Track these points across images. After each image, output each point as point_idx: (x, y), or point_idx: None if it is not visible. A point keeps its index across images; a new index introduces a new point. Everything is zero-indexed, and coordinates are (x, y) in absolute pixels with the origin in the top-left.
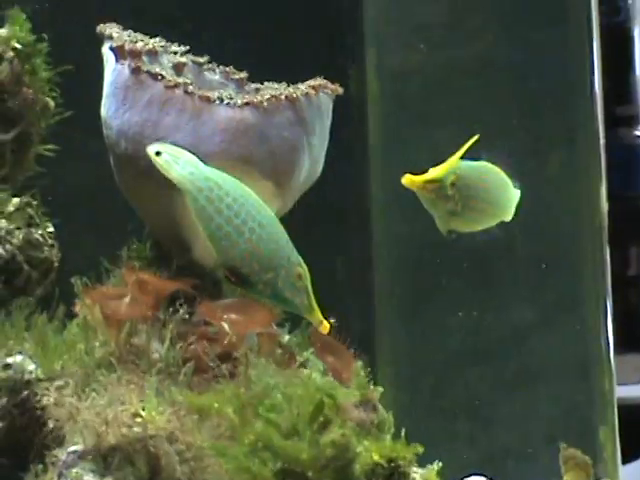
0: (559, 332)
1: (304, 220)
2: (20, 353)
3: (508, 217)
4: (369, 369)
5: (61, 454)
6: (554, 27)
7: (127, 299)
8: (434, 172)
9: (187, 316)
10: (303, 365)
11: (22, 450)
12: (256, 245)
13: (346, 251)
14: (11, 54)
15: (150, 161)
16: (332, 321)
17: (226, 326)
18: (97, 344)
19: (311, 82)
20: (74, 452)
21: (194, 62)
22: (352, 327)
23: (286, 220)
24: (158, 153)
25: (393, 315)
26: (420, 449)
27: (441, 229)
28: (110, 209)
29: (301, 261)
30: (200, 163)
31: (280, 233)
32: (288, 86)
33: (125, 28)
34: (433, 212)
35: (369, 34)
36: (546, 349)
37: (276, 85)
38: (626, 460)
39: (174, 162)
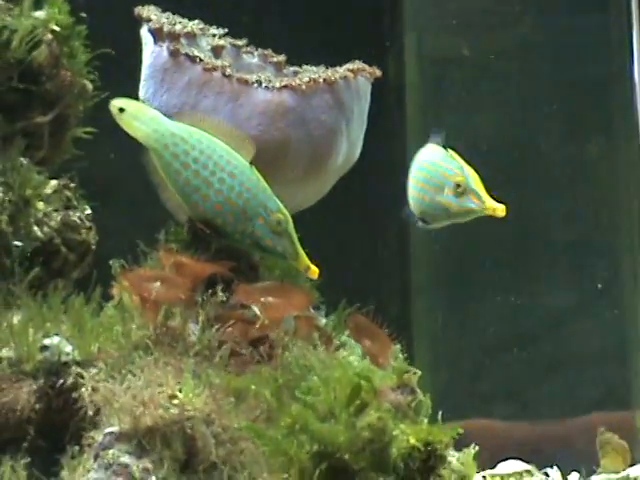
0: (597, 317)
1: (343, 204)
2: (57, 335)
3: None
4: (407, 353)
5: (97, 436)
6: (594, 14)
7: (164, 282)
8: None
9: (224, 299)
10: (340, 348)
11: (58, 432)
12: (227, 196)
13: (384, 236)
14: (49, 37)
15: None
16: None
17: (262, 309)
18: (134, 326)
19: (350, 65)
20: (111, 434)
21: (232, 45)
22: (390, 311)
23: (325, 205)
24: (121, 110)
25: (431, 299)
26: (457, 432)
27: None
28: (148, 192)
29: (281, 207)
30: (164, 119)
31: (255, 182)
32: (326, 69)
33: (163, 10)
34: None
35: (409, 18)
36: (584, 334)
37: (314, 68)
38: None
39: (137, 119)
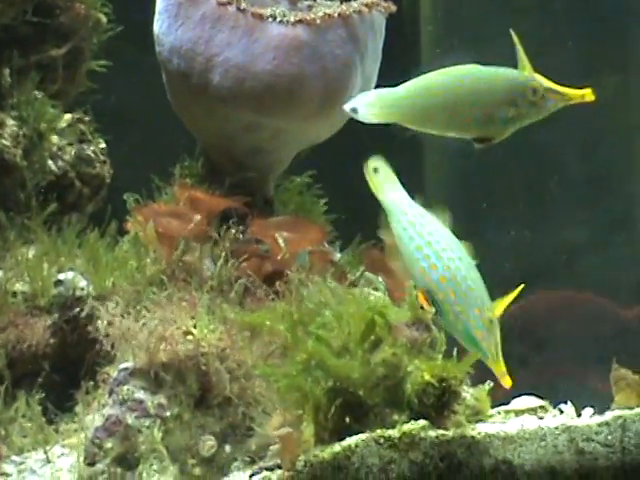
0: (612, 252)
1: (358, 139)
2: (71, 270)
3: None
4: None
5: (112, 371)
6: None
7: (179, 216)
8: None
9: (239, 234)
10: (354, 283)
11: (73, 367)
12: (454, 274)
13: (399, 171)
14: None
15: (202, 78)
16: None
17: (281, 241)
18: (148, 261)
19: (364, 0)
20: (125, 369)
21: None
22: None
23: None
24: (375, 170)
25: None
26: (471, 368)
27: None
28: (162, 126)
29: (494, 310)
30: (407, 194)
31: (477, 277)
32: (341, 4)
33: None
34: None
35: None
36: (598, 269)
37: (329, 2)
38: None
39: (386, 183)
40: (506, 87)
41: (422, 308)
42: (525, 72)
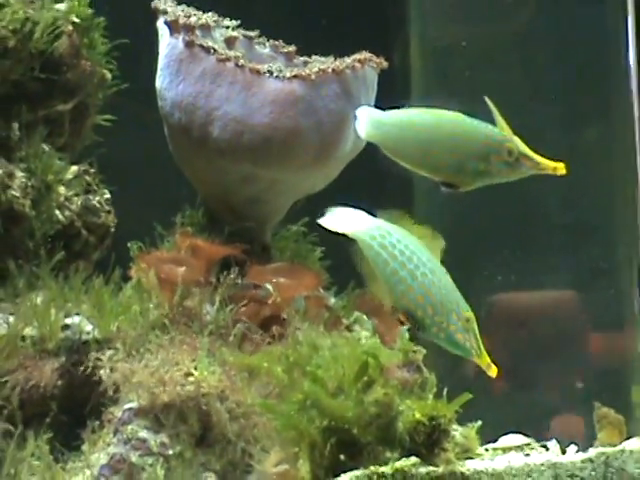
0: (594, 296)
1: (352, 187)
2: (78, 314)
3: None
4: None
5: (117, 411)
6: (592, 4)
7: (181, 263)
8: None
9: (238, 280)
10: (349, 328)
11: (79, 407)
12: (428, 289)
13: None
14: (70, 28)
15: (202, 131)
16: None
17: (269, 287)
18: (151, 306)
19: (357, 56)
20: (130, 409)
21: (245, 36)
22: None
23: (335, 188)
24: (327, 215)
25: None
26: (460, 407)
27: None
28: (164, 177)
29: (468, 306)
30: (368, 215)
31: (448, 280)
32: (335, 60)
33: (179, 3)
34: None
35: (413, 9)
36: (583, 312)
37: (323, 58)
38: None
39: (344, 219)
40: (483, 141)
41: (402, 323)
42: (505, 133)
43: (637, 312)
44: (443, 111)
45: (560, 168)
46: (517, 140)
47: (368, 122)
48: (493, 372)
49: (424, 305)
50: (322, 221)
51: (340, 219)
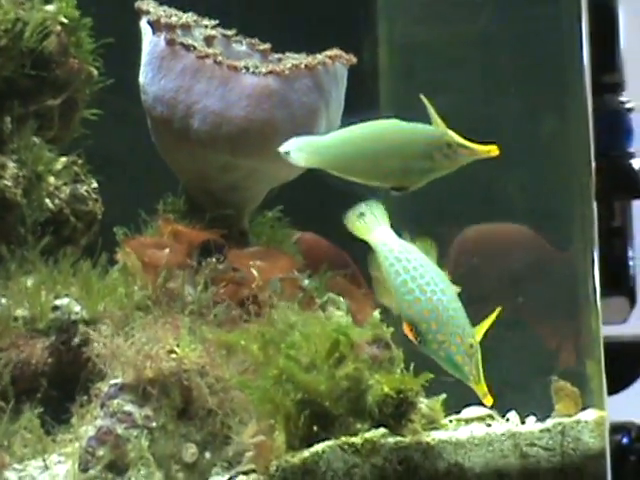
0: (551, 276)
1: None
2: (67, 296)
3: None
4: (381, 311)
5: (104, 387)
6: (547, 4)
7: (163, 248)
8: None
9: (217, 263)
10: (322, 307)
11: (69, 383)
12: (436, 306)
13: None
14: (58, 28)
15: (183, 123)
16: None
17: (253, 272)
18: (136, 288)
19: (328, 52)
20: (115, 385)
21: (223, 35)
22: (366, 272)
23: (307, 178)
24: (362, 214)
25: None
26: (426, 381)
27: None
28: (148, 167)
29: (475, 336)
30: (393, 233)
31: (459, 306)
32: (307, 56)
33: (160, 4)
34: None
35: (381, 9)
36: (539, 291)
37: (296, 55)
38: (610, 392)
39: (372, 224)
40: (424, 141)
41: (408, 339)
42: (440, 128)
43: (591, 295)
44: (379, 121)
45: (493, 150)
46: (452, 133)
47: (308, 149)
48: (489, 402)
49: (429, 320)
50: (348, 222)
51: (365, 226)
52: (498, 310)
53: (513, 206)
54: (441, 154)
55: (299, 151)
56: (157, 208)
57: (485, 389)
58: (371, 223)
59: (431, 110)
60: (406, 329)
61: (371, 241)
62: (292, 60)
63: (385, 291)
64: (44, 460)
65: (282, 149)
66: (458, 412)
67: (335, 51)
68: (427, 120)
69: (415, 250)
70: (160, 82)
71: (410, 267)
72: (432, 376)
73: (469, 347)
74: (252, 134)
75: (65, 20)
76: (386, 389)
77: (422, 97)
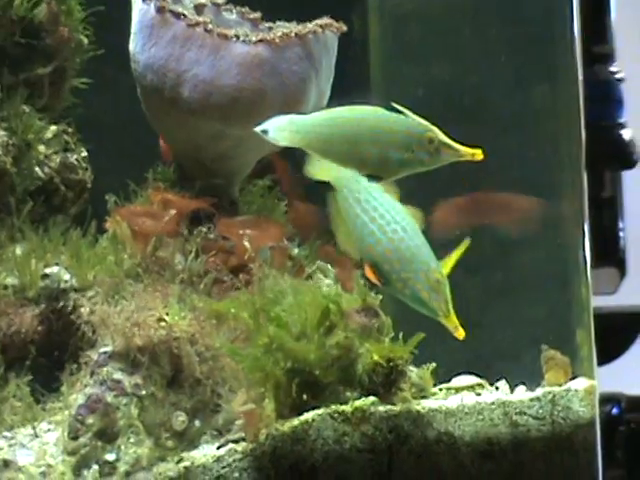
0: (542, 247)
1: None
2: (57, 265)
3: None
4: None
5: (93, 355)
6: None
7: (153, 216)
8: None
9: (207, 232)
10: (311, 276)
11: (58, 351)
12: (398, 245)
13: None
14: None
15: (174, 92)
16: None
17: (244, 240)
18: (126, 256)
19: (318, 21)
20: (105, 353)
21: (213, 3)
22: None
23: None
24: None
25: None
26: (415, 350)
27: None
28: (138, 136)
29: (441, 270)
30: (353, 171)
31: (422, 241)
32: (298, 25)
33: None
34: None
35: None
36: (530, 262)
37: (287, 24)
38: (600, 362)
39: (332, 165)
40: (405, 131)
41: (368, 280)
42: (424, 124)
43: (582, 264)
44: (363, 106)
45: (478, 154)
46: (436, 130)
47: (290, 128)
48: (460, 335)
49: (391, 259)
50: (309, 168)
51: (326, 165)
52: (466, 243)
53: (503, 176)
54: (422, 149)
55: (279, 130)
56: (147, 177)
57: (456, 322)
58: (331, 164)
59: (409, 113)
60: (368, 272)
61: (332, 179)
62: (283, 29)
63: (345, 236)
64: (34, 428)
65: (259, 129)
66: (448, 381)
67: (325, 20)
68: (419, 87)
69: (377, 189)
70: (150, 50)
71: (369, 207)
72: (422, 338)
73: (435, 282)
74: (242, 103)
75: None
76: (376, 357)
77: (394, 104)
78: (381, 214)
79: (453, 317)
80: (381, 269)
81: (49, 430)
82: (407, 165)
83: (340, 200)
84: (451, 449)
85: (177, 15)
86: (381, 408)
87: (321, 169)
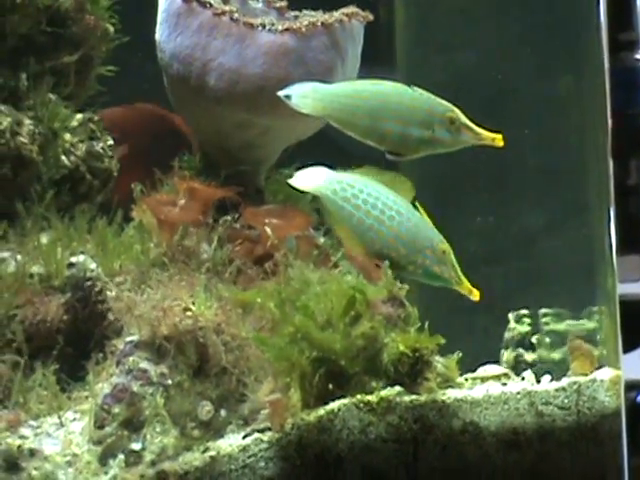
0: (568, 235)
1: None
2: (82, 253)
3: None
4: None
5: (119, 344)
6: None
7: (179, 205)
8: None
9: (233, 221)
10: (337, 265)
11: (84, 340)
12: (398, 230)
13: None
14: None
15: (200, 81)
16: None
17: (268, 229)
18: (152, 245)
19: (344, 10)
20: (131, 342)
21: None
22: None
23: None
24: (298, 168)
25: None
26: (441, 340)
27: None
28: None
29: (443, 239)
30: (330, 171)
31: (418, 217)
32: (324, 14)
33: None
34: None
35: None
36: (556, 250)
37: (313, 13)
38: (626, 350)
39: (305, 176)
40: (427, 109)
41: (378, 266)
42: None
43: (607, 251)
44: (388, 82)
45: (498, 139)
46: (458, 111)
47: (313, 96)
48: (475, 296)
49: (396, 247)
50: (292, 181)
51: (304, 177)
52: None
53: (528, 164)
54: (442, 128)
55: (303, 97)
56: (173, 166)
57: (469, 286)
58: (307, 174)
59: (431, 96)
60: (379, 264)
61: (313, 190)
62: (309, 18)
63: (352, 241)
64: (59, 417)
65: (282, 93)
66: (473, 370)
67: (351, 8)
68: (444, 74)
69: (355, 179)
70: (176, 39)
71: (360, 202)
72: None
73: (442, 254)
74: (268, 92)
75: None
76: (402, 347)
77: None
78: (373, 204)
79: (465, 282)
80: (390, 258)
81: (75, 419)
82: (427, 144)
83: (329, 206)
84: (476, 439)
85: (203, 4)
86: (406, 398)
87: (302, 182)
